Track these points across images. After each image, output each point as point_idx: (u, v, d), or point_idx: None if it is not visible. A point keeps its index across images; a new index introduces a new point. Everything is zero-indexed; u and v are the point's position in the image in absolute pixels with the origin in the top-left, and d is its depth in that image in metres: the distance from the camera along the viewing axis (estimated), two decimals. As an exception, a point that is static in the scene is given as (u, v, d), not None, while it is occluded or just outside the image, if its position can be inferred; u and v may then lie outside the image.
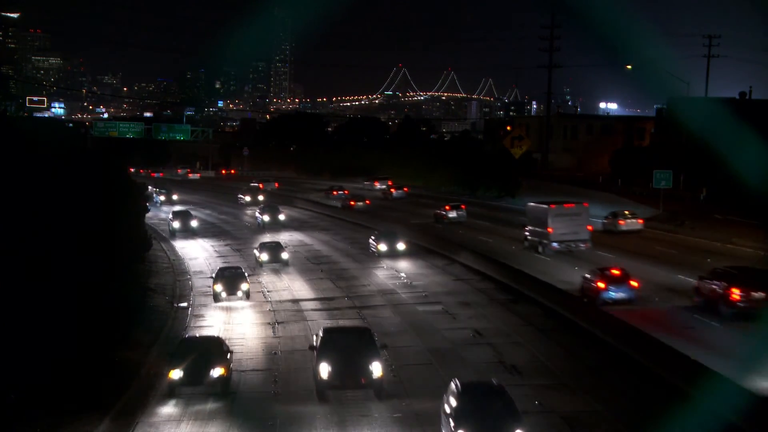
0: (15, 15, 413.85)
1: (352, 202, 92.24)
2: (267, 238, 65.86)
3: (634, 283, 40.91)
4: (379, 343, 29.86)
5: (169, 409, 27.89)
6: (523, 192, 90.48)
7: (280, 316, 41.96)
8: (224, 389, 28.86)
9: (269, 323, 40.48)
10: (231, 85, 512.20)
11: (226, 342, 31.99)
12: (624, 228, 64.57)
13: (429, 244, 61.12)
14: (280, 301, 45.53)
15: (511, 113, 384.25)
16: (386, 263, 56.10)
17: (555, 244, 54.97)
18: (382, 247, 58.05)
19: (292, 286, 49.74)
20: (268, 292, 48.23)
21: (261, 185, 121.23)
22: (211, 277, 46.98)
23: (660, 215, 70.98)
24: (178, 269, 56.71)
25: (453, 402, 23.13)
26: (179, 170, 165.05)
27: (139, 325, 37.99)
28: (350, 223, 79.70)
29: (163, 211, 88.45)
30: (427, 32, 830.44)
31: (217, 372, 28.55)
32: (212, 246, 67.37)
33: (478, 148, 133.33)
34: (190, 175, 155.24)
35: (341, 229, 76.18)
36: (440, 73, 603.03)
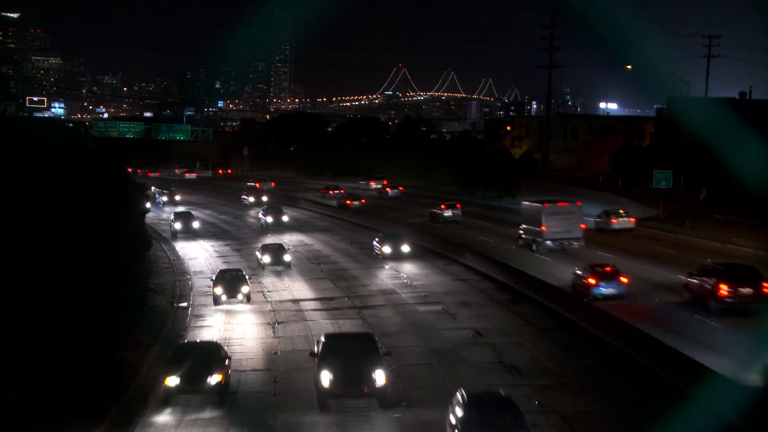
0: (15, 15, 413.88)
1: (348, 202, 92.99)
2: (270, 239, 65.76)
3: (623, 279, 41.68)
4: (383, 350, 29.06)
5: (164, 417, 27.07)
6: (523, 192, 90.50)
7: (281, 316, 41.96)
8: (222, 396, 28.12)
9: (269, 323, 40.47)
10: (231, 85, 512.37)
11: (225, 347, 31.23)
12: (616, 226, 65.55)
13: (432, 246, 60.77)
14: (280, 301, 45.49)
15: (511, 113, 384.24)
16: (388, 263, 56.09)
17: (549, 242, 55.87)
18: (387, 249, 57.15)
19: (294, 287, 49.69)
20: (268, 292, 48.20)
21: (258, 185, 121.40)
22: (211, 280, 46.33)
23: (660, 215, 70.99)
24: (178, 269, 56.68)
25: (459, 413, 22.39)
26: (176, 170, 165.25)
27: (139, 325, 37.94)
28: (353, 224, 79.67)
29: (165, 212, 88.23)
30: (427, 32, 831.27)
31: (214, 379, 27.78)
32: (212, 246, 67.35)
33: (478, 148, 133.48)
34: (187, 175, 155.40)
35: (344, 230, 76.16)
36: (440, 73, 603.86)
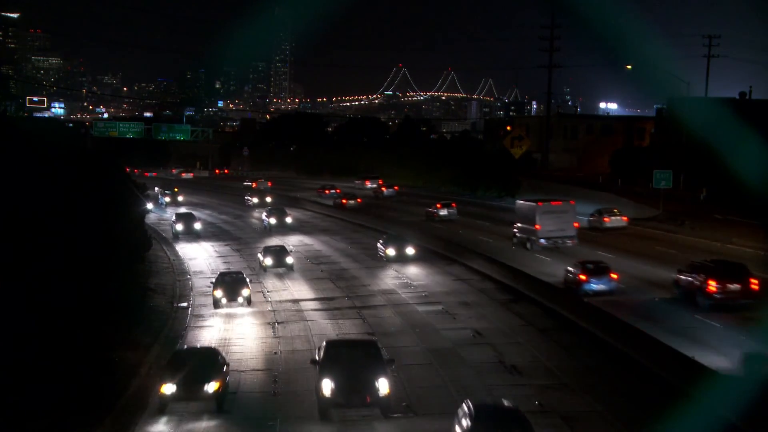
0: (15, 15, 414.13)
1: (344, 201, 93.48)
2: (274, 240, 65.49)
3: (614, 276, 42.93)
4: (386, 357, 28.24)
5: (160, 427, 26.41)
6: (524, 192, 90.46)
7: (281, 316, 41.94)
8: (220, 404, 27.38)
9: (269, 323, 40.46)
10: (231, 85, 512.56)
11: (223, 353, 30.69)
12: (609, 225, 66.54)
13: (432, 246, 60.58)
14: (280, 301, 45.48)
15: (511, 113, 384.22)
16: (388, 263, 56.05)
17: (543, 241, 56.68)
18: (391, 251, 56.28)
19: (294, 287, 49.66)
20: (268, 292, 48.19)
21: (254, 184, 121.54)
22: (211, 282, 45.86)
23: (660, 215, 71.01)
24: (178, 269, 56.66)
25: (465, 424, 21.74)
26: (173, 170, 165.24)
27: (139, 325, 37.89)
28: (353, 224, 79.61)
29: (167, 213, 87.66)
30: (427, 32, 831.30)
31: (212, 386, 26.94)
32: (212, 246, 67.34)
33: (478, 148, 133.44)
34: (184, 175, 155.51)
35: (344, 230, 76.11)
36: (440, 73, 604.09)
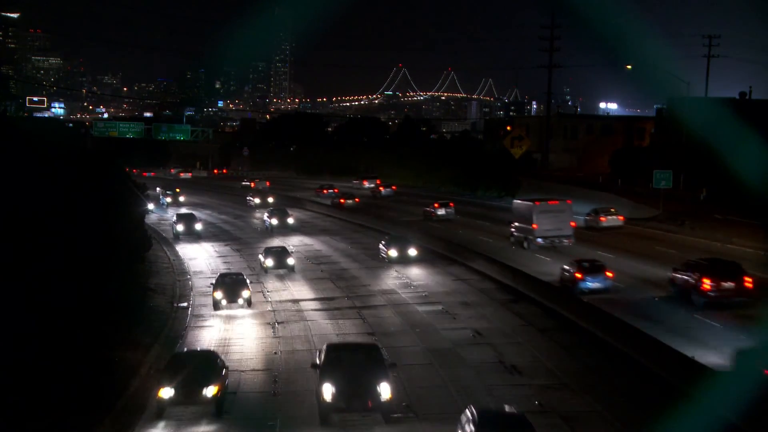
0: (15, 15, 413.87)
1: (342, 201, 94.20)
2: (275, 241, 65.29)
3: (609, 274, 43.53)
4: (388, 361, 27.91)
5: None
6: (524, 192, 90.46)
7: (280, 316, 41.95)
8: (219, 409, 26.87)
9: (269, 323, 40.46)
10: (231, 85, 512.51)
11: (222, 356, 30.32)
12: (605, 224, 67.21)
13: (432, 246, 60.44)
14: (280, 301, 45.50)
15: (511, 113, 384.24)
16: (388, 263, 56.02)
17: (539, 240, 57.26)
18: (393, 253, 55.84)
19: (294, 287, 49.66)
20: (268, 292, 48.20)
21: (252, 184, 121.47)
22: (211, 284, 45.60)
23: (660, 215, 71.04)
24: (178, 269, 56.66)
25: (469, 430, 21.42)
26: (172, 170, 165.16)
27: (139, 325, 37.86)
28: (353, 224, 79.61)
29: (168, 213, 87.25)
30: (427, 32, 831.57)
31: (210, 390, 26.44)
32: (212, 246, 67.34)
33: (478, 148, 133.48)
34: (182, 175, 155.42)
35: (344, 230, 76.13)
36: (440, 73, 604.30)
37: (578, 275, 43.09)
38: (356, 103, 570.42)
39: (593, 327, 35.22)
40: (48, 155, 38.65)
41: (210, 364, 28.00)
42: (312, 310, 43.32)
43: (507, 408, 23.23)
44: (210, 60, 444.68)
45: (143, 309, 41.71)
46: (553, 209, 57.92)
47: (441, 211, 78.61)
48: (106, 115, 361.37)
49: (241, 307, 43.09)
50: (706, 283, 39.09)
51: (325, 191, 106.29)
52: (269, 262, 53.51)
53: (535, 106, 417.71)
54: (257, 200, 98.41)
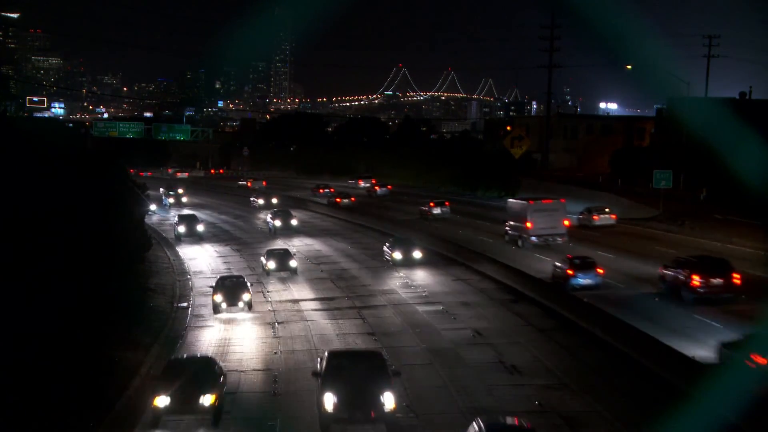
0: (15, 15, 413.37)
1: (338, 200, 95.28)
2: (278, 243, 65.03)
3: (600, 271, 44.33)
4: (392, 368, 26.90)
5: None
6: (524, 191, 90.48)
7: (280, 316, 41.94)
8: (216, 419, 26.01)
9: (269, 323, 40.45)
10: (231, 85, 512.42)
11: (220, 362, 29.52)
12: (598, 223, 68.26)
13: (437, 248, 59.77)
14: (280, 301, 45.51)
15: (511, 113, 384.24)
16: (388, 263, 56.01)
17: (534, 238, 57.95)
18: (397, 255, 54.93)
19: (294, 287, 49.65)
20: (268, 292, 48.18)
21: (249, 183, 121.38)
22: (211, 287, 45.15)
23: (660, 215, 71.06)
24: (178, 269, 56.65)
25: None
26: (169, 170, 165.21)
27: (139, 325, 37.84)
28: (354, 224, 79.64)
29: (171, 214, 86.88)
30: (427, 32, 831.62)
31: (207, 399, 25.55)
32: (212, 246, 67.34)
33: (478, 148, 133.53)
34: (179, 175, 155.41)
35: (345, 230, 76.17)
36: (440, 73, 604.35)
37: (570, 272, 43.98)
38: (356, 103, 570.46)
39: (593, 327, 35.22)
40: (48, 155, 38.64)
41: (207, 370, 27.14)
42: (312, 310, 43.31)
43: (512, 420, 22.51)
44: (210, 60, 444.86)
45: (143, 309, 41.68)
46: (546, 208, 58.67)
47: (436, 210, 79.50)
48: (106, 115, 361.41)
49: (242, 310, 42.44)
50: (696, 280, 40.02)
51: (321, 190, 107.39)
52: (271, 265, 52.73)
53: (535, 106, 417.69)
54: (261, 201, 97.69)
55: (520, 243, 59.08)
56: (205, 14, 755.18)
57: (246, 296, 42.48)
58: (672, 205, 72.40)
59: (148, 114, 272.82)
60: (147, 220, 71.30)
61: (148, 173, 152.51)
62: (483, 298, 44.74)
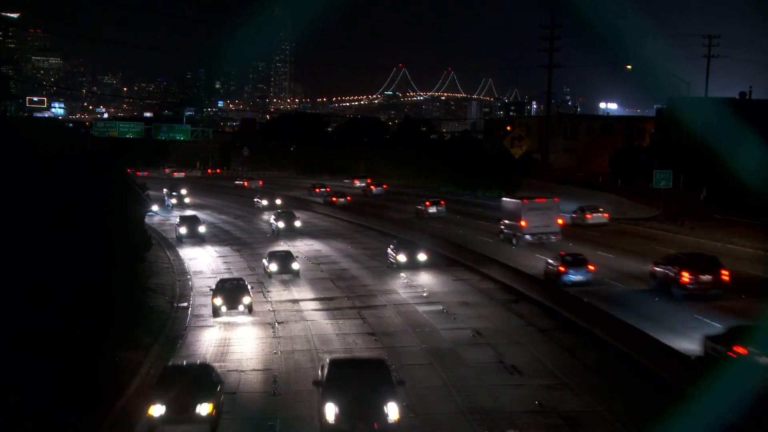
0: (15, 15, 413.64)
1: (334, 199, 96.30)
2: (280, 244, 64.79)
3: (591, 268, 45.16)
4: (396, 377, 26.14)
5: None
6: (524, 191, 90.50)
7: (280, 315, 41.92)
8: (213, 429, 25.17)
9: (269, 323, 40.45)
10: (231, 85, 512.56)
11: (217, 369, 28.90)
12: (590, 221, 69.45)
13: (440, 249, 59.11)
14: (280, 301, 45.49)
15: (511, 113, 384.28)
16: (388, 263, 56.01)
17: (528, 237, 58.84)
18: (402, 258, 53.99)
19: (294, 287, 49.64)
20: (267, 292, 48.16)
21: (246, 183, 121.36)
22: (210, 289, 44.53)
23: (660, 215, 71.07)
24: (178, 269, 56.63)
25: None
26: (166, 169, 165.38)
27: (139, 325, 37.84)
28: (354, 224, 79.66)
29: (173, 215, 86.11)
30: (427, 32, 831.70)
31: (204, 409, 24.71)
32: (212, 246, 67.32)
33: (478, 148, 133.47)
34: (176, 174, 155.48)
35: (345, 230, 76.16)
36: (440, 73, 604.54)
37: (562, 268, 44.82)
38: (356, 103, 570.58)
39: (593, 327, 35.23)
40: (48, 155, 38.63)
41: (204, 378, 26.39)
42: (312, 310, 43.31)
43: None
44: (210, 60, 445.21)
45: (143, 309, 41.65)
46: (540, 207, 59.48)
47: (432, 209, 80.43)
48: (106, 115, 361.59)
49: (242, 313, 41.86)
50: (685, 276, 40.83)
51: (317, 190, 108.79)
52: (273, 267, 51.94)
53: (535, 106, 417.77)
54: (265, 202, 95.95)
55: (514, 241, 59.98)
56: (205, 14, 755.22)
57: (246, 299, 41.84)
58: (672, 205, 72.41)
59: (148, 114, 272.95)
60: (148, 220, 71.34)
61: (146, 173, 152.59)
62: (483, 298, 44.74)
